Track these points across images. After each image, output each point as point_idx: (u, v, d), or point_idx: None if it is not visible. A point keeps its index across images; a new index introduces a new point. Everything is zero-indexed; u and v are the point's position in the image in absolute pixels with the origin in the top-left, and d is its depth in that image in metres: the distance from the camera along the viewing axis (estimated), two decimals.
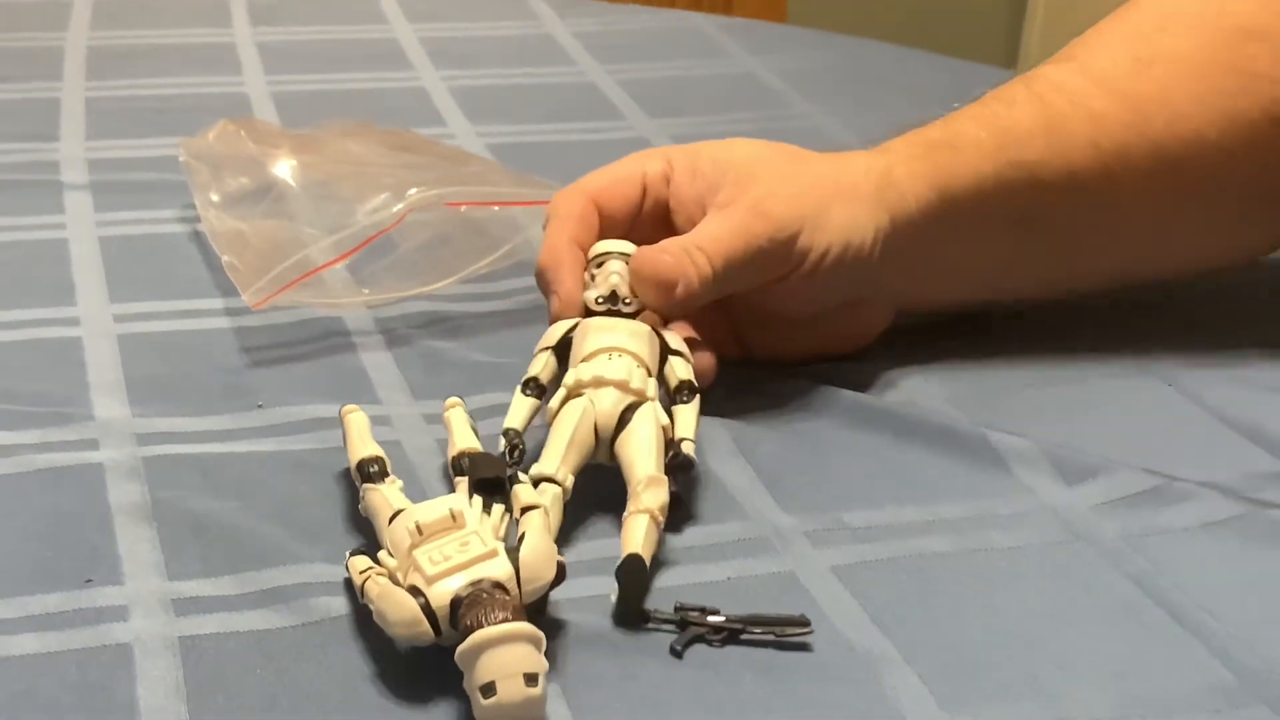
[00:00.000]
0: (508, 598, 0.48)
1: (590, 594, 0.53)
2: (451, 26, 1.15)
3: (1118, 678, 0.50)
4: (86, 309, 0.71)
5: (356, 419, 0.58)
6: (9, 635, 0.50)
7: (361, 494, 0.55)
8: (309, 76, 1.03)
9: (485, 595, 0.48)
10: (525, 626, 0.46)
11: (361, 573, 0.50)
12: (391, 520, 0.52)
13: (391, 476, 0.55)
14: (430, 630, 0.48)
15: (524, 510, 0.52)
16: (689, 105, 1.01)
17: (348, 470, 0.57)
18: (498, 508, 0.52)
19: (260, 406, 0.64)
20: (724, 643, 0.51)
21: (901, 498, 0.59)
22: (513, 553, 0.49)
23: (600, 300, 0.61)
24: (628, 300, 0.61)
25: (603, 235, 0.64)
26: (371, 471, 0.55)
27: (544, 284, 0.63)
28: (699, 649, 0.51)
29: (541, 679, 0.46)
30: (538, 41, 1.13)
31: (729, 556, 0.55)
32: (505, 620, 0.46)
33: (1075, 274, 0.70)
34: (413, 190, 0.73)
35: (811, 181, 0.64)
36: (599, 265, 0.62)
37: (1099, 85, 0.67)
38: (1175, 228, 0.69)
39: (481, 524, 0.51)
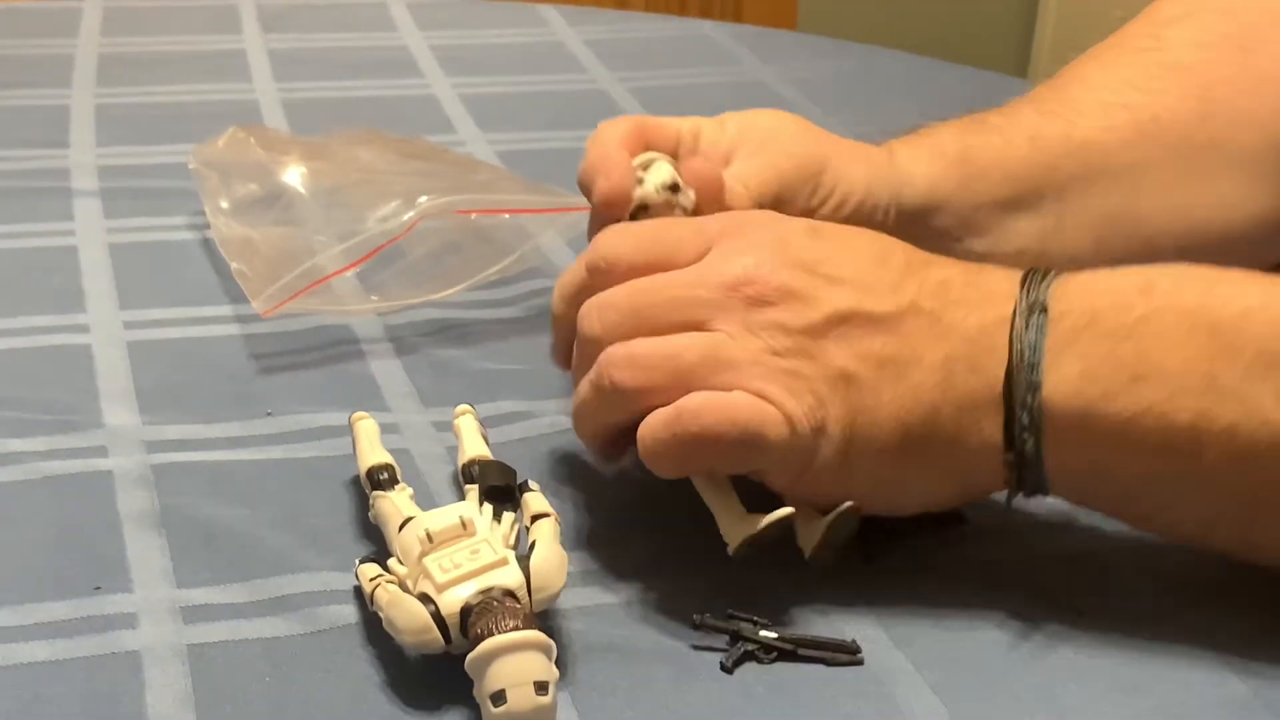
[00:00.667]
0: (518, 606, 0.48)
1: (600, 602, 0.53)
2: (461, 34, 1.15)
3: (1131, 690, 0.50)
4: (96, 316, 0.71)
5: (366, 426, 0.58)
6: (19, 643, 0.50)
7: (371, 501, 0.54)
8: (319, 83, 1.03)
9: (496, 603, 0.47)
10: (536, 635, 0.46)
11: (371, 580, 0.50)
12: (401, 528, 0.52)
13: (401, 484, 0.55)
14: (440, 638, 0.48)
15: (534, 518, 0.52)
16: (699, 112, 1.00)
17: (357, 478, 0.57)
18: (508, 516, 0.52)
19: (270, 414, 0.64)
20: (773, 661, 0.50)
21: None
22: (523, 561, 0.49)
23: (661, 189, 0.61)
24: (684, 188, 0.61)
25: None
26: (381, 479, 0.55)
27: (589, 179, 0.62)
28: (709, 658, 0.51)
29: (552, 687, 0.46)
30: (548, 49, 1.13)
31: (743, 565, 0.55)
32: (516, 628, 0.46)
33: (1076, 235, 0.70)
34: (423, 198, 0.73)
35: (833, 140, 0.67)
36: (645, 167, 0.62)
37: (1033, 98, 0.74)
38: (1152, 180, 0.71)
39: (492, 532, 0.51)
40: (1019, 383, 0.50)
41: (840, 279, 0.53)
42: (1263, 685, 0.50)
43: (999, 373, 0.51)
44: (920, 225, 0.67)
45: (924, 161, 0.68)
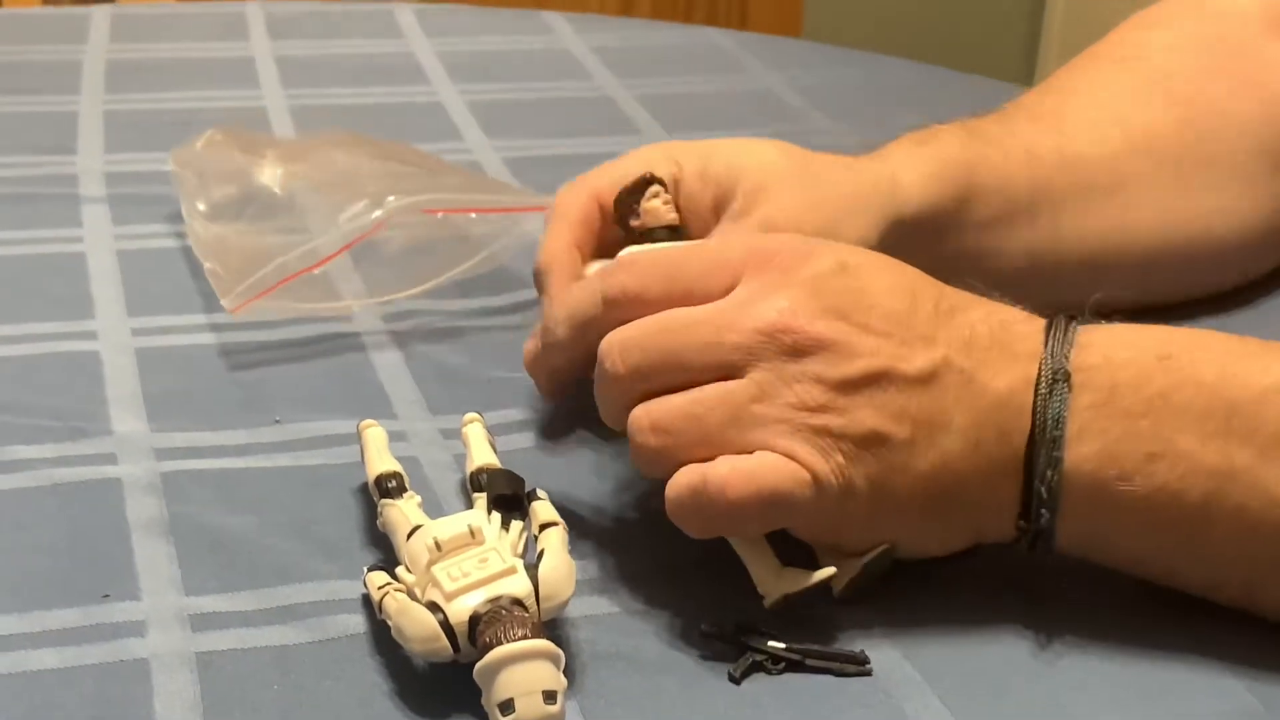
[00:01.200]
0: (527, 615, 0.48)
1: (608, 611, 0.53)
2: (468, 40, 1.15)
3: (1139, 701, 0.50)
4: (104, 323, 0.71)
5: (374, 434, 0.58)
6: (27, 650, 0.50)
7: (379, 509, 0.54)
8: (327, 90, 1.03)
9: (504, 612, 0.47)
10: (544, 644, 0.46)
11: (380, 588, 0.50)
12: (410, 536, 0.52)
13: (409, 492, 0.55)
14: (449, 647, 0.48)
15: (543, 527, 0.52)
16: (706, 120, 1.01)
17: (365, 485, 0.57)
18: (516, 524, 0.52)
19: (277, 421, 0.64)
20: (781, 672, 0.50)
21: None
22: (531, 569, 0.49)
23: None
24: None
25: (604, 234, 0.65)
26: (389, 487, 0.55)
27: (540, 284, 0.64)
28: (717, 668, 0.50)
29: (560, 696, 0.46)
30: (555, 56, 1.13)
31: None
32: (524, 637, 0.46)
33: (1069, 252, 0.70)
34: (391, 197, 0.74)
35: (823, 196, 0.64)
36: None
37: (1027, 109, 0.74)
38: (1143, 198, 0.71)
39: (500, 540, 0.51)
40: (1040, 457, 0.50)
41: (874, 328, 0.51)
42: (1271, 697, 0.50)
43: (1022, 441, 0.51)
44: (913, 237, 0.65)
45: (925, 179, 0.66)
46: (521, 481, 0.54)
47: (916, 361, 0.51)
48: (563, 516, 0.52)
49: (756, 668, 0.50)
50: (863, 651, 0.51)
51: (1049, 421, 0.50)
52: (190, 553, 0.55)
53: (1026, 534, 0.52)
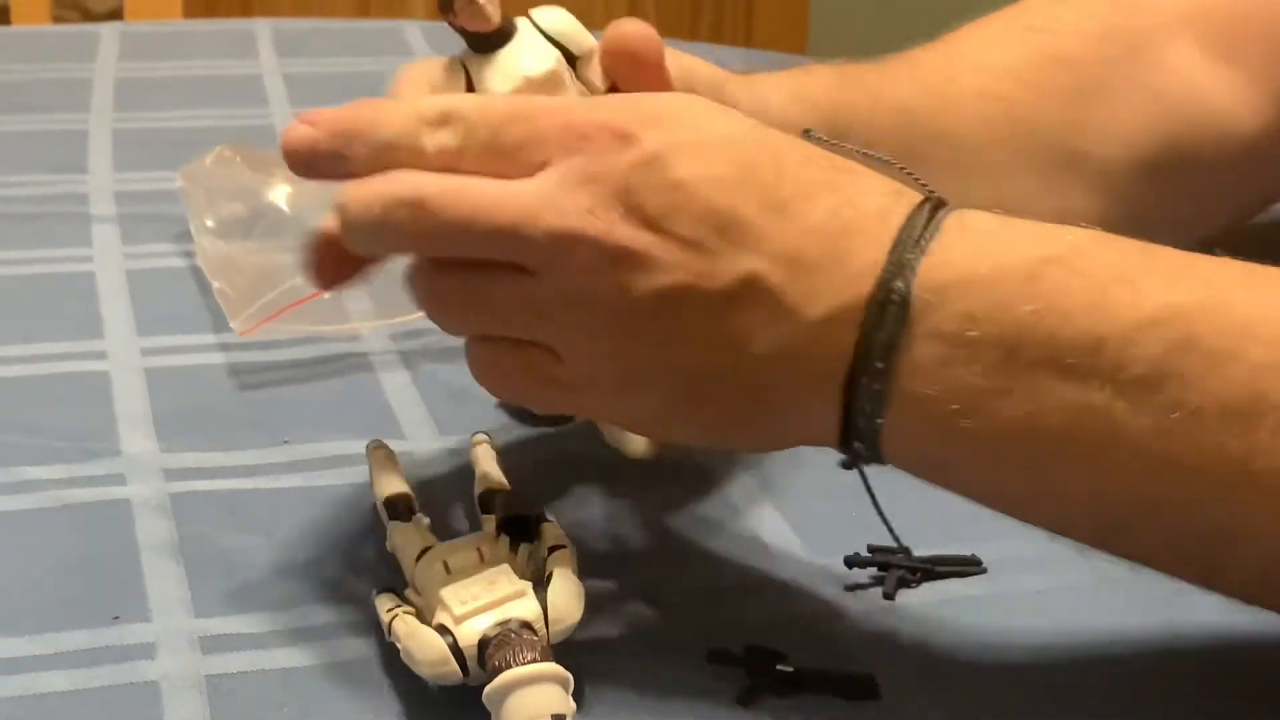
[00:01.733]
0: (536, 638, 0.48)
1: (616, 634, 0.53)
2: None
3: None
4: (114, 343, 0.71)
5: (383, 455, 0.58)
6: (37, 672, 0.50)
7: (388, 531, 0.55)
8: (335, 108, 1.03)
9: (513, 635, 0.47)
10: (553, 667, 0.46)
11: (389, 611, 0.50)
12: (419, 558, 0.52)
13: (418, 514, 0.55)
14: (458, 670, 0.48)
15: (551, 549, 0.52)
16: None
17: (374, 507, 0.57)
18: (525, 546, 0.52)
19: (286, 442, 0.64)
20: (790, 695, 0.50)
21: (932, 539, 0.58)
22: (540, 592, 0.49)
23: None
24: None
25: None
26: (398, 509, 0.55)
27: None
28: (725, 691, 0.51)
29: None
30: None
31: (759, 596, 0.55)
32: (534, 661, 0.46)
33: None
34: None
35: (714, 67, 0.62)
36: None
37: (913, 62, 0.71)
38: (1015, 187, 0.69)
39: (509, 563, 0.51)
40: (861, 389, 0.47)
41: (680, 236, 0.47)
42: None
43: (844, 367, 0.47)
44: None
45: (790, 106, 0.63)
46: (530, 503, 0.54)
47: (721, 279, 0.47)
48: (571, 539, 0.52)
49: (765, 691, 0.50)
50: (871, 675, 0.51)
51: (874, 350, 0.46)
52: (200, 574, 0.55)
53: (848, 456, 0.49)
